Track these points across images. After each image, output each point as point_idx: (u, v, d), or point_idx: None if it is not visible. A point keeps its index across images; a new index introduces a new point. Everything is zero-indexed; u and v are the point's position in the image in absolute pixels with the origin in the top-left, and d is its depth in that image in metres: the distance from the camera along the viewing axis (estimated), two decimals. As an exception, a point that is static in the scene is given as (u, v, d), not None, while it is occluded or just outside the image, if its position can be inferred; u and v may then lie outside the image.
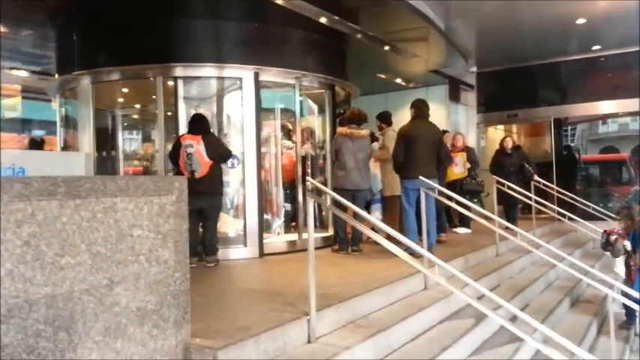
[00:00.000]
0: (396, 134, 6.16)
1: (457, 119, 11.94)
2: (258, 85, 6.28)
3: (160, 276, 2.72)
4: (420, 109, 5.97)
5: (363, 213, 3.64)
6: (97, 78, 6.38)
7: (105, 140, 7.95)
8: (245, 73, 6.21)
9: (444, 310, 4.33)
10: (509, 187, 7.19)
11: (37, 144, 8.91)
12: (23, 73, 8.63)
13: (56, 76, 6.97)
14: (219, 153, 5.67)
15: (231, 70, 6.26)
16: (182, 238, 2.84)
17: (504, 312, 4.99)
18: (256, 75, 6.25)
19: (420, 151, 5.74)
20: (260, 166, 6.33)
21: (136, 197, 2.62)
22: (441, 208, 6.88)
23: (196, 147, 5.49)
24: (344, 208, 6.14)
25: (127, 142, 8.29)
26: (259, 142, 6.32)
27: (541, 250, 5.18)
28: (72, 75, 6.39)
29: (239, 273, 5.36)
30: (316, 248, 6.61)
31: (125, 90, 7.33)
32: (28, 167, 5.82)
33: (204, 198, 5.50)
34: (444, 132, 8.94)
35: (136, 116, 8.19)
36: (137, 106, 8.03)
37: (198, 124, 5.68)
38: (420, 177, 5.34)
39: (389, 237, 6.93)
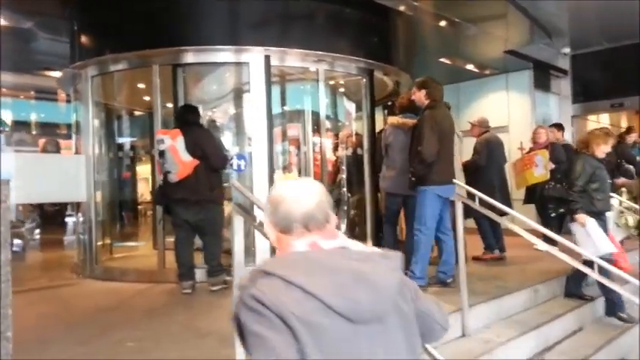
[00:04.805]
0: None
1: (546, 111, 10.02)
2: (270, 71, 5.17)
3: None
4: (437, 89, 4.41)
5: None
6: (99, 69, 5.66)
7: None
8: (252, 56, 5.13)
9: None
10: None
11: (53, 148, 8.51)
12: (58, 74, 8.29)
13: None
14: (207, 150, 4.54)
15: (234, 54, 5.20)
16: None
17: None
18: (267, 58, 5.15)
19: (449, 146, 4.34)
20: (272, 169, 5.24)
21: None
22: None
23: (170, 143, 4.45)
24: (392, 223, 4.95)
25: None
26: (271, 140, 5.22)
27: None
28: (70, 68, 5.75)
29: (227, 302, 4.30)
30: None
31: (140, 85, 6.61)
32: (16, 173, 5.24)
33: (190, 208, 4.52)
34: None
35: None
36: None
37: (180, 116, 4.76)
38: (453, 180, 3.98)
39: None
